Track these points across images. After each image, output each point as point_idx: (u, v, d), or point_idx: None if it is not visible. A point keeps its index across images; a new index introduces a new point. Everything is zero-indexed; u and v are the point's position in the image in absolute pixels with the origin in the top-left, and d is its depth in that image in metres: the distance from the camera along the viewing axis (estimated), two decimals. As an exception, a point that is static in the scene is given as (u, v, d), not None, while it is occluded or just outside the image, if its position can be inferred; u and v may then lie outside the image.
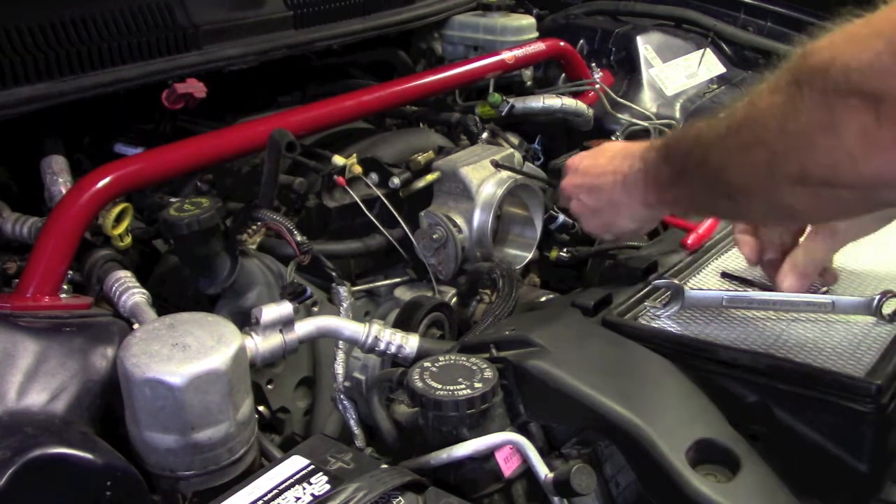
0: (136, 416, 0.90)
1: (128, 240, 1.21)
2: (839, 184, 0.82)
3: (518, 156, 1.53)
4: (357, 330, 1.12)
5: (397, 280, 1.44)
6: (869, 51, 0.73)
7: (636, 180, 1.11)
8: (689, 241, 1.30)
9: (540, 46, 1.89)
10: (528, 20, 1.96)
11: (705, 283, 1.22)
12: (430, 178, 1.41)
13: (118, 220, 1.19)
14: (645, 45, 2.02)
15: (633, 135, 1.79)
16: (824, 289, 1.16)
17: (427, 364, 0.97)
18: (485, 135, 1.69)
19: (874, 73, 0.73)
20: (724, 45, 2.16)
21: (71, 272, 1.13)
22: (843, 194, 0.83)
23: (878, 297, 1.09)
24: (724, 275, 1.23)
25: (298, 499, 0.79)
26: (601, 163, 1.19)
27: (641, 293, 1.17)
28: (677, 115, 1.89)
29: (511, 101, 1.75)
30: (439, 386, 0.93)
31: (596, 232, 1.28)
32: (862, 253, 1.24)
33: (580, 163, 1.24)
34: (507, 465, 0.93)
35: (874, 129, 0.74)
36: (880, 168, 0.77)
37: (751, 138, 0.88)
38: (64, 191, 1.26)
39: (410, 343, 1.13)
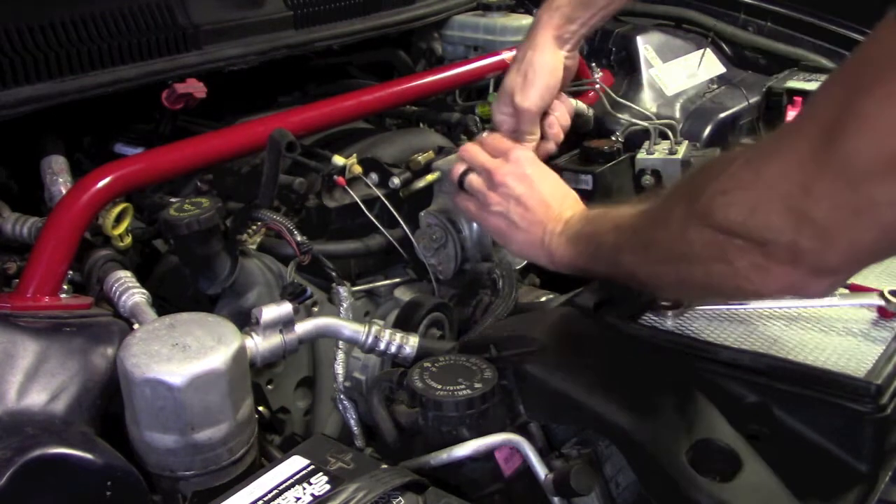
0: (136, 416, 0.90)
1: (128, 240, 1.21)
2: (743, 296, 0.98)
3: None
4: (357, 330, 1.12)
5: (397, 280, 1.44)
6: (741, 211, 0.83)
7: (553, 238, 1.16)
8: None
9: (540, 46, 1.89)
10: (528, 20, 1.96)
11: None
12: (430, 178, 1.41)
13: (118, 220, 1.19)
14: (645, 45, 2.01)
15: (634, 135, 1.79)
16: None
17: (427, 364, 0.97)
18: (485, 135, 1.69)
19: (750, 228, 0.83)
20: (724, 45, 2.16)
21: (71, 272, 1.13)
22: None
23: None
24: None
25: (298, 499, 0.79)
26: (546, 190, 1.21)
27: (641, 293, 1.17)
28: (677, 114, 1.89)
29: (511, 100, 1.74)
30: (439, 386, 0.93)
31: (488, 229, 1.29)
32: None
33: (530, 170, 1.24)
34: (508, 466, 0.93)
35: (764, 263, 0.83)
36: (778, 289, 0.87)
37: (658, 257, 0.98)
38: (64, 191, 1.26)
39: (410, 343, 1.13)
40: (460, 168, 1.31)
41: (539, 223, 1.19)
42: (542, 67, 1.35)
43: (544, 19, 1.36)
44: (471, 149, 1.32)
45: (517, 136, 1.38)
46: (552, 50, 1.35)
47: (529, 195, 1.21)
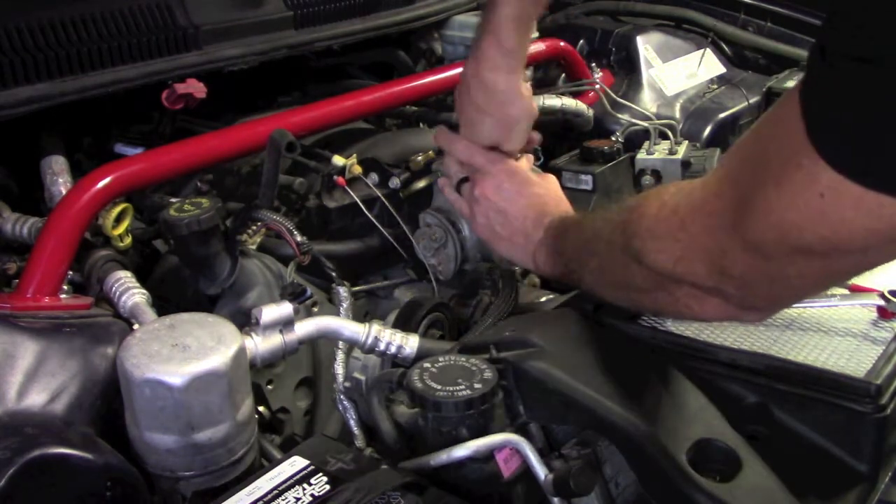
0: (136, 417, 0.90)
1: (128, 240, 1.21)
2: (689, 319, 1.04)
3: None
4: (357, 330, 1.12)
5: (397, 280, 1.44)
6: (669, 258, 0.88)
7: (536, 246, 1.20)
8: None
9: (540, 46, 1.89)
10: (528, 20, 1.96)
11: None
12: (429, 178, 1.41)
13: (118, 220, 1.19)
14: (645, 45, 2.02)
15: (634, 135, 1.79)
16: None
17: (427, 365, 0.97)
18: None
19: (679, 273, 0.88)
20: (724, 45, 2.16)
21: (71, 272, 1.13)
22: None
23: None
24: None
25: (298, 499, 0.79)
26: (525, 201, 1.23)
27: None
28: (677, 115, 1.89)
29: (511, 101, 1.74)
30: (439, 387, 0.92)
31: (478, 234, 1.31)
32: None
33: (508, 181, 1.24)
34: (507, 466, 0.93)
35: (699, 295, 0.88)
36: (716, 317, 0.93)
37: (612, 281, 1.03)
38: (64, 191, 1.26)
39: (410, 343, 1.13)
40: (458, 175, 1.31)
41: (521, 232, 1.22)
42: (488, 107, 1.22)
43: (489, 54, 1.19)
44: (449, 161, 1.32)
45: None
46: (504, 82, 1.20)
47: (508, 206, 1.23)
